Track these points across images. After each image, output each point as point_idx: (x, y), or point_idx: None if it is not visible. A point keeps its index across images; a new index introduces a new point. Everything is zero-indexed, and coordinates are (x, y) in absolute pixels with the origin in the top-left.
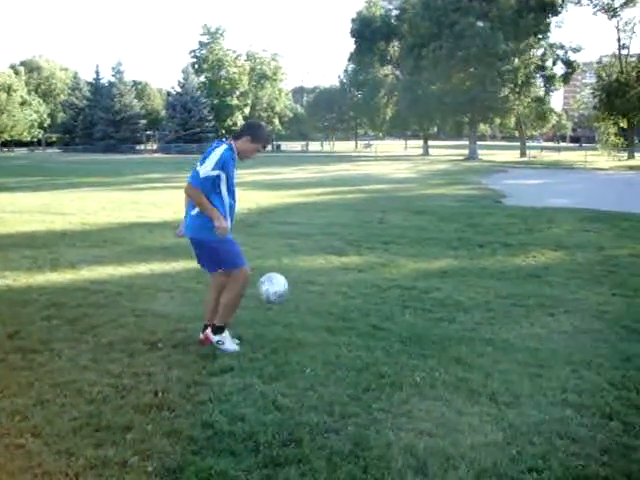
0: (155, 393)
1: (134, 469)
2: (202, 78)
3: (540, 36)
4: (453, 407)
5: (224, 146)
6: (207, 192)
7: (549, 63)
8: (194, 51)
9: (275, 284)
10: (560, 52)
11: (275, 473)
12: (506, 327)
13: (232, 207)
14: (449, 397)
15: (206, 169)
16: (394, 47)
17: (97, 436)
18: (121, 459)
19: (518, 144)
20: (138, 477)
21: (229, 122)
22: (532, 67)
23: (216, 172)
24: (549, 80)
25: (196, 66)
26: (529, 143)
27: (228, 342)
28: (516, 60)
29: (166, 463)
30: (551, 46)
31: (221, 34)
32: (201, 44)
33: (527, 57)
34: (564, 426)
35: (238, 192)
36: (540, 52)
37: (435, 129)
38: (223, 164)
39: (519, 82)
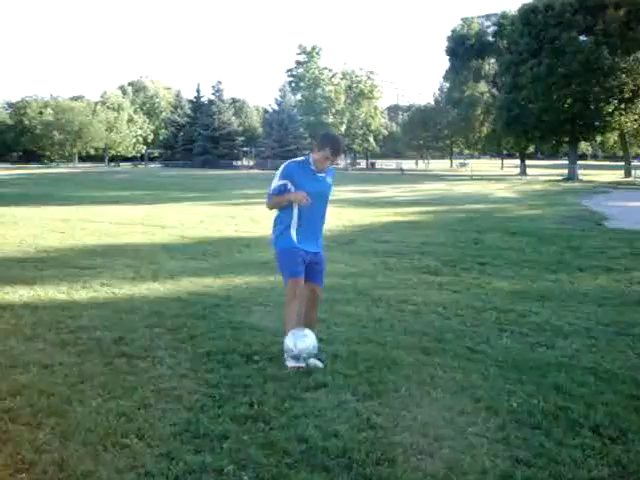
0: (251, 404)
1: (230, 477)
2: (298, 96)
3: None
4: (553, 437)
5: (296, 159)
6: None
7: None
8: (291, 70)
9: (309, 339)
10: None
11: None
12: (609, 356)
13: (306, 216)
14: (548, 426)
15: (273, 183)
16: (489, 64)
17: (196, 442)
18: (218, 466)
19: (622, 163)
20: None
21: None
22: None
23: (282, 182)
24: None
25: (293, 84)
26: (635, 162)
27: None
28: (623, 75)
29: (261, 474)
30: None
31: (317, 53)
32: (297, 63)
33: (635, 71)
34: None
35: (332, 208)
36: None
37: (532, 148)
38: (286, 174)
39: (625, 97)
